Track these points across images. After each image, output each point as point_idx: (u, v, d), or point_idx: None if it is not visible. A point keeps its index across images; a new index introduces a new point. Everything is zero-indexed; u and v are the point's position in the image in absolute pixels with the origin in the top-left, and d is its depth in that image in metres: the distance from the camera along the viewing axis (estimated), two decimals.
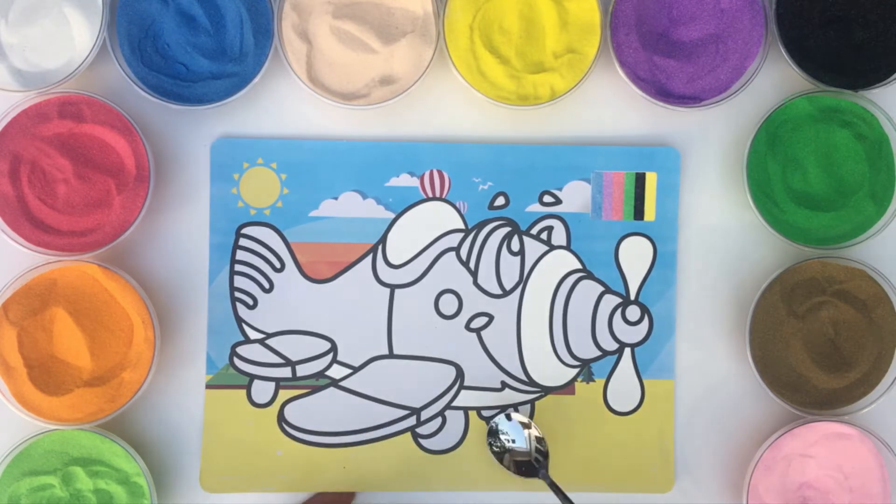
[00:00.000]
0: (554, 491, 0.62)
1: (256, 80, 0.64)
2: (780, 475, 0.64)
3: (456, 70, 0.64)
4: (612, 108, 0.67)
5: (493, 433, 0.65)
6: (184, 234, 0.66)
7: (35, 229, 0.63)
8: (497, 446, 0.64)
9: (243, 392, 0.65)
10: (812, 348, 0.64)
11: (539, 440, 0.64)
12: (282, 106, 0.67)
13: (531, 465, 0.64)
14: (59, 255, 0.63)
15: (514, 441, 0.64)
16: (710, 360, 0.67)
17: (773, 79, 0.67)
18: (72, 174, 0.63)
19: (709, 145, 0.68)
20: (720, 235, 0.67)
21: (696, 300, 0.67)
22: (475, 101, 0.66)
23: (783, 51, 0.65)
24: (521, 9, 0.65)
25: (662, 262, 0.67)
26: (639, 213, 0.67)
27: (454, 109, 0.67)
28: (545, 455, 0.64)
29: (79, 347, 0.62)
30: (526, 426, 0.64)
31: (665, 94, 0.65)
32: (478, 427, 0.66)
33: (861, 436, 0.64)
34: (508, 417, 0.65)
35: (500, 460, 0.64)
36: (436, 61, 0.64)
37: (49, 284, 0.63)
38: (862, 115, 0.65)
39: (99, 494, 0.62)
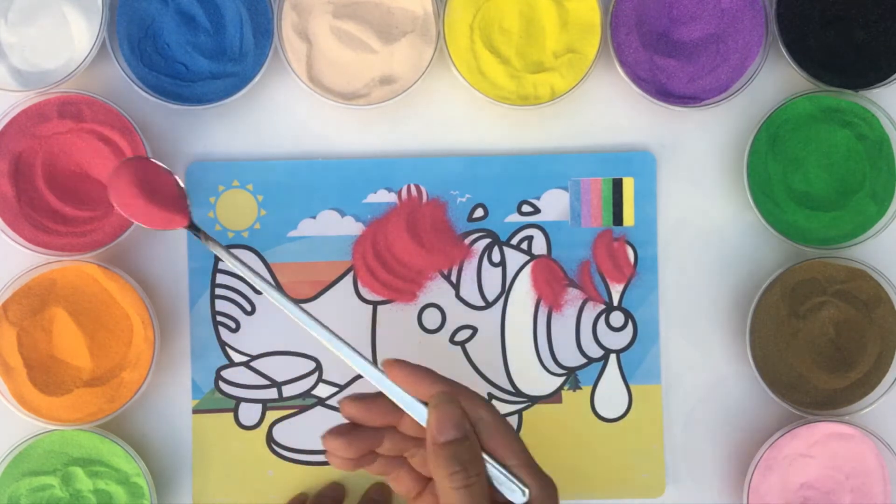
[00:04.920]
0: None
1: (256, 80, 0.64)
2: (780, 475, 0.64)
3: (456, 70, 0.64)
4: (612, 107, 0.67)
5: None
6: (183, 233, 0.66)
7: (34, 229, 0.63)
8: None
9: (230, 415, 0.65)
10: (813, 348, 0.64)
11: None
12: (282, 106, 0.67)
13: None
14: (59, 255, 0.63)
15: None
16: (709, 360, 0.67)
17: (774, 79, 0.67)
18: (71, 174, 0.63)
19: (709, 145, 0.67)
20: (720, 236, 0.67)
21: (693, 301, 0.67)
22: (475, 100, 0.66)
23: (784, 51, 0.64)
24: (522, 8, 0.65)
25: (644, 266, 0.66)
26: (618, 218, 0.66)
27: (454, 109, 0.67)
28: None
29: (78, 347, 0.62)
30: None
31: (665, 93, 0.65)
32: None
33: (862, 436, 0.64)
34: None
35: None
36: (436, 61, 0.64)
37: (48, 284, 0.63)
38: (862, 115, 0.65)
39: (99, 495, 0.62)
